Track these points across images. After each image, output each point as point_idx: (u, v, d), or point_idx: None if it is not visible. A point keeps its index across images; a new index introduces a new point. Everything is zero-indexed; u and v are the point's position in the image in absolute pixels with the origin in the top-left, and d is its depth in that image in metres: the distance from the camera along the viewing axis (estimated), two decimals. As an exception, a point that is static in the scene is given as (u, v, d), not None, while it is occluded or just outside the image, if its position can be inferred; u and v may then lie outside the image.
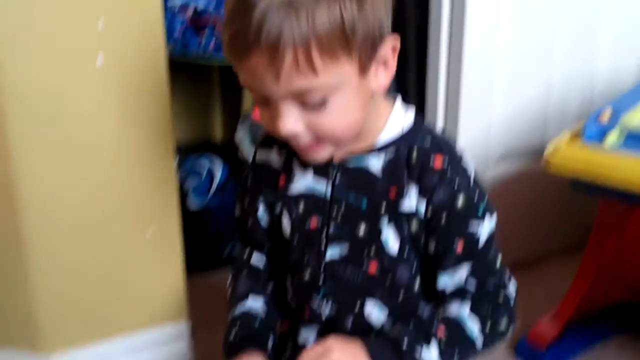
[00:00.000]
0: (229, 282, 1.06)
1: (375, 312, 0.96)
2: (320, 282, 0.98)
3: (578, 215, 1.96)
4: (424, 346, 0.86)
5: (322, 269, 0.97)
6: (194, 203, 1.70)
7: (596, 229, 1.53)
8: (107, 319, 1.30)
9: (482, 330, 0.90)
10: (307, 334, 1.03)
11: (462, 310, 0.90)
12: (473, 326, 0.89)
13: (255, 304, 1.01)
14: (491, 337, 0.90)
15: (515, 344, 1.50)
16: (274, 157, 0.99)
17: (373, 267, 0.94)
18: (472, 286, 0.91)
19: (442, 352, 0.87)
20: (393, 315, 0.97)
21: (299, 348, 1.03)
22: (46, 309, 1.23)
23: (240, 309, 1.00)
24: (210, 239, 1.76)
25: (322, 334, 1.02)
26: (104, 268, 1.27)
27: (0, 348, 1.25)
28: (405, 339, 0.86)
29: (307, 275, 0.99)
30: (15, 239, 1.18)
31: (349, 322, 0.97)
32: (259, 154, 1.02)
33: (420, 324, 0.90)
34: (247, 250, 1.06)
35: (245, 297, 1.01)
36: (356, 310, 0.96)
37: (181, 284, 1.37)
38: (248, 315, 1.00)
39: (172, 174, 1.31)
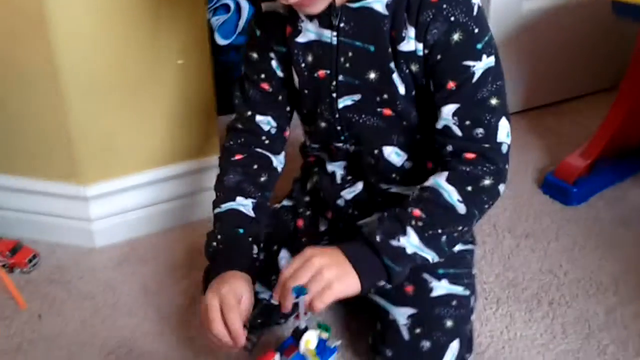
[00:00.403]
0: (219, 160, 1.04)
1: (394, 155, 0.98)
2: (338, 129, 0.99)
3: (614, 54, 1.90)
4: (400, 236, 0.86)
5: (336, 118, 0.97)
6: (220, 40, 1.66)
7: (634, 62, 1.48)
8: (140, 153, 1.32)
9: (461, 192, 0.87)
10: (334, 167, 1.06)
11: (438, 178, 0.89)
12: (450, 190, 0.88)
13: (243, 201, 0.99)
14: (474, 198, 0.88)
15: (542, 180, 1.52)
16: (279, 6, 0.95)
17: (387, 111, 0.94)
18: (457, 130, 0.88)
19: (422, 234, 0.86)
20: (412, 157, 0.98)
21: (327, 175, 1.07)
22: (84, 143, 1.25)
23: (227, 205, 0.99)
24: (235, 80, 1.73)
25: (349, 168, 1.05)
26: (138, 102, 1.27)
27: (44, 179, 1.30)
28: (378, 235, 0.86)
29: (322, 125, 1.00)
30: (52, 75, 1.17)
31: (370, 161, 0.99)
32: (264, 5, 0.98)
33: (395, 213, 0.88)
34: (249, 114, 1.03)
35: (234, 190, 1.00)
36: (376, 152, 0.98)
37: (213, 119, 1.38)
38: (234, 218, 0.98)
39: (202, 9, 1.27)
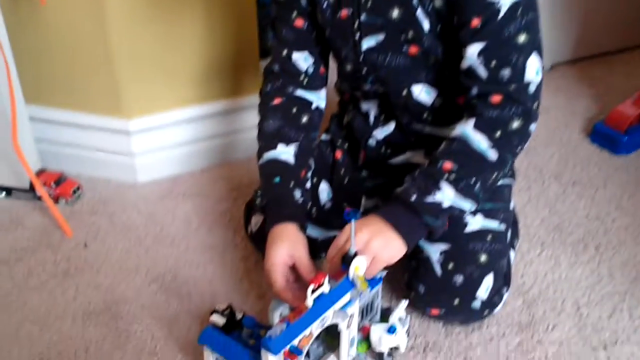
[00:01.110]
0: (259, 107, 1.03)
1: (423, 94, 0.95)
2: (364, 73, 0.97)
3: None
4: (435, 191, 0.85)
5: (360, 62, 0.95)
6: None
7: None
8: (183, 89, 1.31)
9: (491, 138, 0.85)
10: (367, 106, 1.04)
11: (465, 127, 0.87)
12: (479, 139, 0.85)
13: (284, 149, 0.99)
14: (504, 142, 0.86)
15: (591, 129, 1.48)
16: None
17: (413, 49, 0.91)
18: (482, 71, 0.85)
19: (456, 186, 0.86)
20: (442, 94, 0.95)
21: (361, 114, 1.05)
22: (128, 77, 1.25)
23: (267, 155, 0.99)
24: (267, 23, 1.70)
25: (381, 107, 1.02)
26: (181, 38, 1.26)
27: (87, 112, 1.31)
28: (413, 195, 0.86)
29: (349, 68, 0.98)
30: (97, 4, 1.17)
31: (400, 102, 0.97)
32: None
33: (427, 170, 0.88)
34: (284, 53, 1.01)
35: (274, 137, 0.99)
36: (404, 93, 0.95)
37: (255, 57, 1.36)
38: (272, 167, 0.98)
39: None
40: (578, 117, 1.55)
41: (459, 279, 0.91)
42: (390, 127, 1.01)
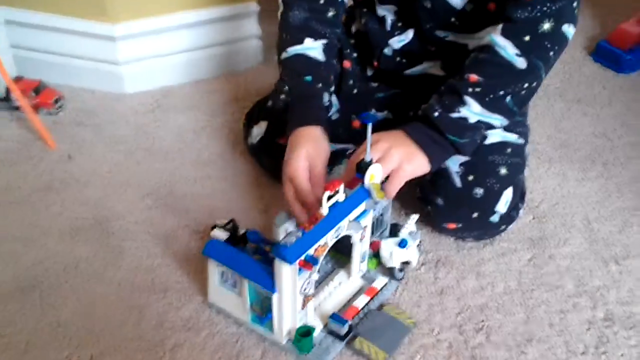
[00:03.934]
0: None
1: None
2: None
3: None
4: (459, 106, 0.81)
5: None
6: None
7: None
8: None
9: (519, 44, 0.80)
10: (384, 11, 0.97)
11: (493, 34, 0.82)
12: (506, 45, 0.80)
13: (312, 44, 0.92)
14: (534, 47, 0.80)
15: (594, 48, 1.43)
16: None
17: None
18: None
19: (482, 99, 0.81)
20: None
21: (376, 20, 0.98)
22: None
23: (294, 50, 0.93)
24: None
25: (400, 13, 0.95)
26: None
27: (71, 16, 1.20)
28: (437, 111, 0.82)
29: None
30: None
31: (427, 4, 0.90)
32: None
33: (451, 84, 0.83)
34: None
35: (301, 30, 0.93)
36: None
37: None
38: (301, 64, 0.92)
39: None
40: (581, 35, 1.50)
41: (479, 191, 0.87)
42: (409, 35, 0.95)
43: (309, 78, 0.91)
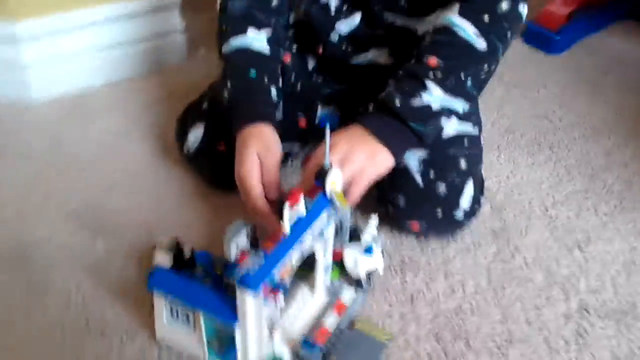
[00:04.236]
0: None
1: None
2: None
3: None
4: (421, 92, 0.76)
5: None
6: None
7: None
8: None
9: (477, 24, 0.77)
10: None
11: (449, 14, 0.78)
12: (465, 26, 0.77)
13: (255, 35, 0.85)
14: (493, 28, 0.78)
15: (524, 29, 1.42)
16: None
17: None
18: None
19: (444, 84, 0.77)
20: None
21: (319, 4, 0.90)
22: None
23: (236, 42, 0.85)
24: None
25: None
26: None
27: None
28: (397, 99, 0.76)
29: None
30: None
31: None
32: None
33: (410, 69, 0.78)
34: None
35: (243, 20, 0.85)
36: None
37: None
38: (244, 57, 0.84)
39: None
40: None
41: (441, 187, 0.82)
42: (356, 19, 0.88)
43: (253, 72, 0.83)
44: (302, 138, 0.93)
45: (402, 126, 0.76)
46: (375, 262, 0.80)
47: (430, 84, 0.75)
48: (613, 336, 0.75)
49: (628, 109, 1.21)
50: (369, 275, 0.80)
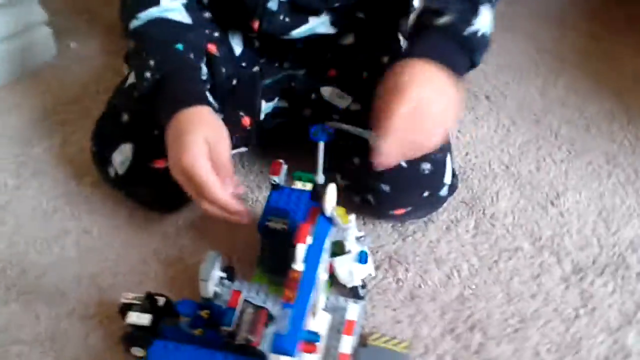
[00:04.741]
0: None
1: None
2: None
3: None
4: (474, 20, 0.67)
5: None
6: None
7: None
8: None
9: None
10: None
11: None
12: None
13: (170, 4, 0.73)
14: None
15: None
16: None
17: None
18: None
19: (493, 9, 0.70)
20: None
21: None
22: None
23: (148, 14, 0.72)
24: None
25: None
26: None
27: None
28: (460, 23, 0.67)
29: None
30: None
31: None
32: None
33: None
34: None
35: None
36: None
37: None
38: (162, 29, 0.72)
39: None
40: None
41: (426, 167, 0.76)
42: None
43: (179, 46, 0.71)
44: (248, 139, 0.82)
45: (465, 58, 0.68)
46: (368, 268, 0.73)
47: (482, 9, 0.67)
48: (615, 292, 0.75)
49: (546, 42, 1.21)
50: (364, 281, 0.73)
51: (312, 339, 0.54)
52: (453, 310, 0.73)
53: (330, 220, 0.62)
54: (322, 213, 0.61)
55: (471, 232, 0.83)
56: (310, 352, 0.53)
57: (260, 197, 0.86)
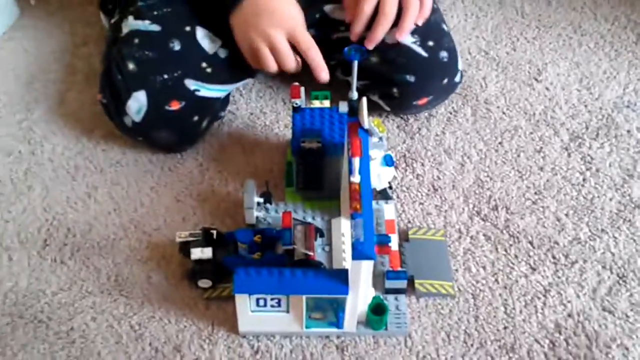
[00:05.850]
0: None
1: None
2: None
3: None
4: None
5: None
6: None
7: None
8: None
9: None
10: None
11: None
12: None
13: None
14: None
15: None
16: None
17: None
18: None
19: None
20: None
21: None
22: None
23: None
24: None
25: None
26: None
27: None
28: None
29: None
30: None
31: None
32: None
33: None
34: None
35: None
36: None
37: None
38: None
39: None
40: None
41: (444, 54, 0.81)
42: None
43: None
44: (255, 70, 0.82)
45: None
46: (393, 170, 0.77)
47: None
48: (612, 151, 0.82)
49: None
50: (390, 183, 0.78)
51: (384, 241, 0.59)
52: (474, 194, 0.78)
53: (367, 132, 0.65)
54: (360, 126, 0.65)
55: (470, 119, 0.88)
56: (385, 253, 0.58)
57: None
